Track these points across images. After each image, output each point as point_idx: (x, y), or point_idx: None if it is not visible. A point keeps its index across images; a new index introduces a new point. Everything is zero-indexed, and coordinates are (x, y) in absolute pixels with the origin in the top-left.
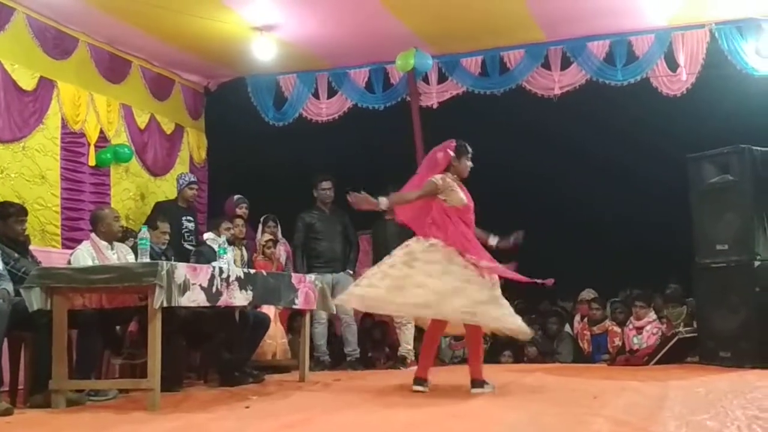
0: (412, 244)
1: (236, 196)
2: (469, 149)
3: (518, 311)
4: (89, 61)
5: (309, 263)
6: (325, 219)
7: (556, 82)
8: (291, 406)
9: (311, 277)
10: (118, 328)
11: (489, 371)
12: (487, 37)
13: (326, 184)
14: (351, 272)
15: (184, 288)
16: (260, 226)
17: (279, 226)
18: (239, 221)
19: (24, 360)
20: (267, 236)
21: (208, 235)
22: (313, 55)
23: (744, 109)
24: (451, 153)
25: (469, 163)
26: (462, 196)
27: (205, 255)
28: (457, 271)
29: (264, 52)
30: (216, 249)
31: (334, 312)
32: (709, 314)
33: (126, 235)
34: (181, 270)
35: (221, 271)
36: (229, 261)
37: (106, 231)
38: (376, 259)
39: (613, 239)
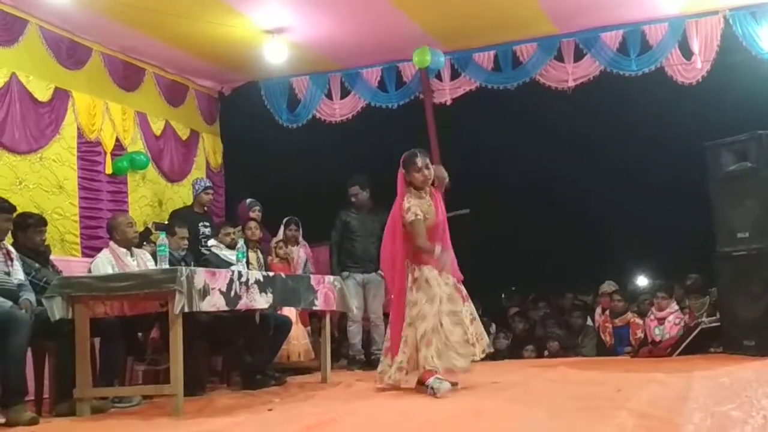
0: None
1: (248, 200)
2: (416, 157)
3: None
4: (103, 70)
5: (342, 261)
6: (361, 218)
7: (570, 75)
8: (314, 408)
9: (330, 278)
10: (140, 334)
11: (511, 367)
12: (499, 32)
13: (352, 190)
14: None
15: (204, 293)
16: (282, 228)
17: (300, 229)
18: (252, 224)
19: (48, 369)
20: (278, 237)
21: (212, 242)
22: (324, 56)
23: (760, 94)
24: (402, 170)
25: (425, 172)
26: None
27: (212, 262)
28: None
29: (276, 54)
30: (220, 255)
31: (354, 312)
32: (732, 303)
33: (147, 233)
34: (201, 275)
35: (240, 275)
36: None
37: (121, 238)
38: None
39: (632, 231)
